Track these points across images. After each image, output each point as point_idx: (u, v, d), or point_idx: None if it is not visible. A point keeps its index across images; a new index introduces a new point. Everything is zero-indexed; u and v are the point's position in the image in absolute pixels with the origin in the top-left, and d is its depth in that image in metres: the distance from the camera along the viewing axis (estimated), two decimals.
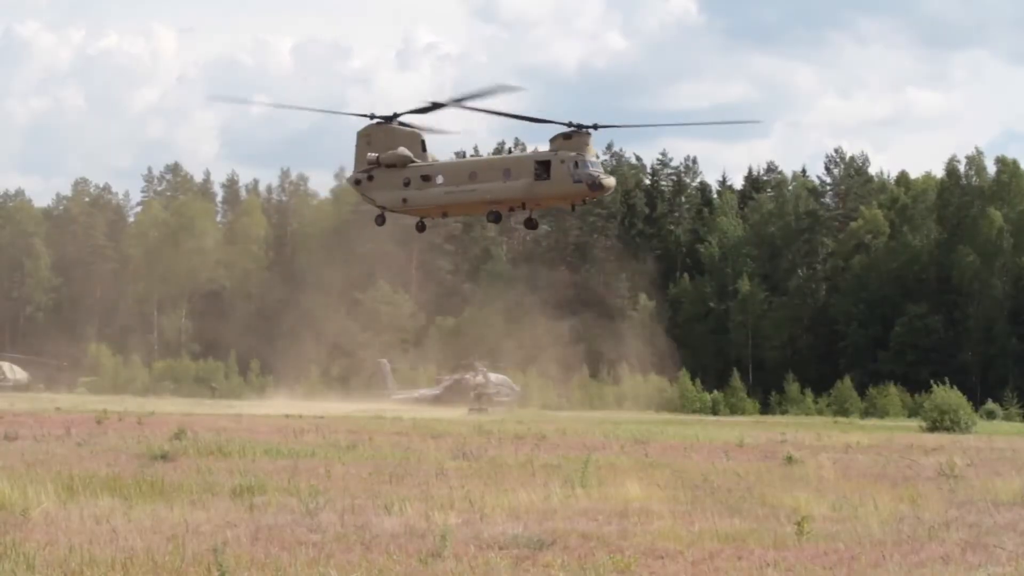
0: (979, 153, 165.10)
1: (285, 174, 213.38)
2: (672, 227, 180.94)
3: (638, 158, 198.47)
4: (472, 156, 58.31)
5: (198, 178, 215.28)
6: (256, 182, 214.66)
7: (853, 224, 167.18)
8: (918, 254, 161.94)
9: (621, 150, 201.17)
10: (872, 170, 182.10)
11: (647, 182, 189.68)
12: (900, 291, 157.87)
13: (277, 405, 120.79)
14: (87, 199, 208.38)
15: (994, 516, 29.37)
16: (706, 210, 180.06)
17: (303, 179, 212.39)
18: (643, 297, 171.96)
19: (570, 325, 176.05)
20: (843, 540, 24.86)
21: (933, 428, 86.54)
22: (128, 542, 22.32)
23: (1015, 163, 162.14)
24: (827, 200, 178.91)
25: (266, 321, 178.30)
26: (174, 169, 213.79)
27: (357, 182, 58.96)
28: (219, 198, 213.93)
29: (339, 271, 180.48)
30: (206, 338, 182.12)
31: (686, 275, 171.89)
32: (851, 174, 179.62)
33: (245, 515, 26.80)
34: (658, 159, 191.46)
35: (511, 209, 57.05)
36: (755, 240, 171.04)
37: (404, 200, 56.86)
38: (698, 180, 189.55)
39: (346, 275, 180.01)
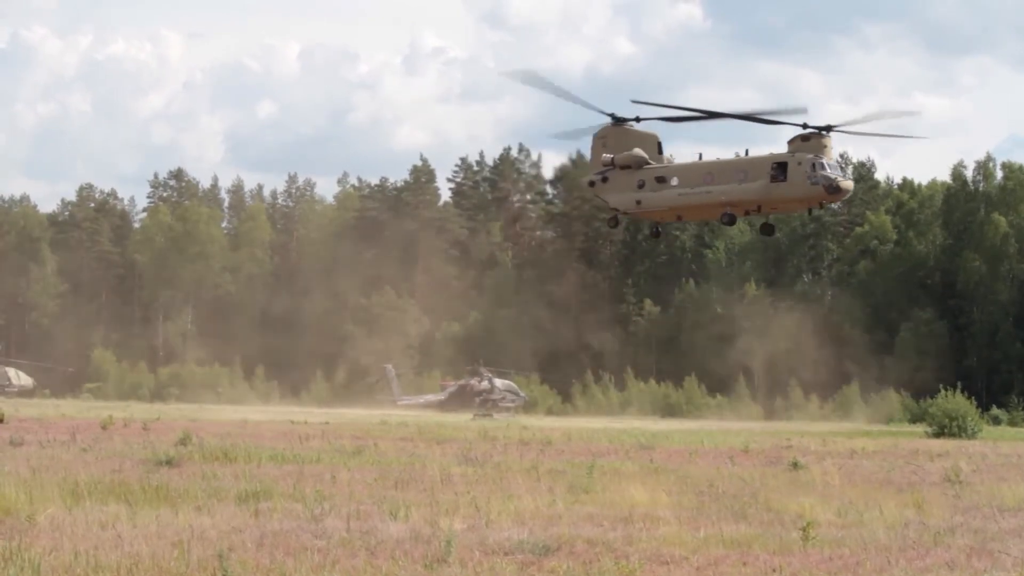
0: (989, 158, 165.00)
1: (291, 179, 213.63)
2: (678, 232, 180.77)
3: None
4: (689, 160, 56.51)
5: (203, 184, 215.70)
6: (261, 187, 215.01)
7: (859, 229, 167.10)
8: (924, 260, 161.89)
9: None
10: (878, 175, 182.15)
11: None
12: (906, 296, 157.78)
13: (282, 410, 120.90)
14: (92, 205, 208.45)
15: (999, 522, 29.35)
16: None
17: (309, 185, 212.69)
18: (648, 302, 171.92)
19: (577, 331, 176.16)
20: (848, 546, 24.85)
21: (939, 434, 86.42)
22: (133, 548, 22.33)
23: (1021, 169, 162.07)
24: (833, 205, 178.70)
25: (271, 327, 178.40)
26: (179, 175, 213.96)
27: (591, 183, 58.27)
28: (225, 204, 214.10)
29: (344, 277, 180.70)
30: (211, 344, 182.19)
31: (692, 280, 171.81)
32: (857, 179, 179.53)
33: (250, 521, 26.80)
34: None
35: (746, 212, 56.13)
36: (761, 245, 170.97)
37: (638, 202, 56.02)
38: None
39: (351, 281, 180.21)
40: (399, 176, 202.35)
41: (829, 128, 53.19)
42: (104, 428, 64.27)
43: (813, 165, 52.35)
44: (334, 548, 23.07)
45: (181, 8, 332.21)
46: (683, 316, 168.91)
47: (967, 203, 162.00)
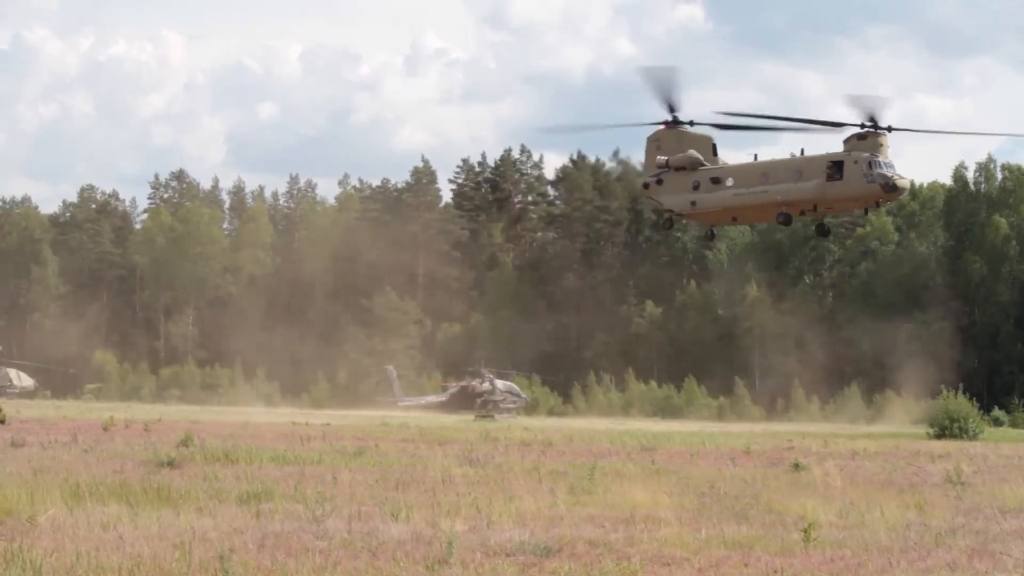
0: (991, 159, 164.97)
1: (293, 180, 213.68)
2: (679, 234, 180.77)
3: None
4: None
5: (205, 185, 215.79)
6: (262, 188, 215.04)
7: (860, 231, 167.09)
8: (925, 261, 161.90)
9: (629, 157, 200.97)
10: None
11: None
12: (907, 298, 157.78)
13: (283, 412, 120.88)
14: (93, 206, 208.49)
15: (1001, 523, 29.35)
16: None
17: (311, 186, 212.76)
18: (650, 304, 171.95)
19: (578, 332, 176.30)
20: (850, 547, 24.84)
21: (941, 435, 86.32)
22: (135, 549, 22.33)
23: (1021, 170, 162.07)
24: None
25: (272, 328, 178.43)
26: (180, 176, 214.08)
27: (646, 185, 57.91)
28: (225, 205, 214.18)
29: (346, 278, 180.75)
30: (212, 345, 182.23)
31: (693, 282, 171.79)
32: None
33: (252, 522, 26.80)
34: None
35: (802, 212, 55.81)
36: (762, 247, 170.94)
37: (693, 203, 55.69)
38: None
39: (353, 282, 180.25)
40: (400, 177, 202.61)
41: (889, 128, 52.91)
42: (105, 429, 64.27)
43: (869, 164, 51.98)
44: (335, 549, 23.07)
45: (182, 9, 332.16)
46: (684, 317, 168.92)
47: (968, 204, 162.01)
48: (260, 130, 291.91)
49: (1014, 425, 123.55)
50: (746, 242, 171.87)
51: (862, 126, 52.48)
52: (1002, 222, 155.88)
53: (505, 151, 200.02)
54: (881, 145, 52.56)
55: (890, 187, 52.37)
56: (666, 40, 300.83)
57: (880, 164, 52.03)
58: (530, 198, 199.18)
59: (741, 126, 55.13)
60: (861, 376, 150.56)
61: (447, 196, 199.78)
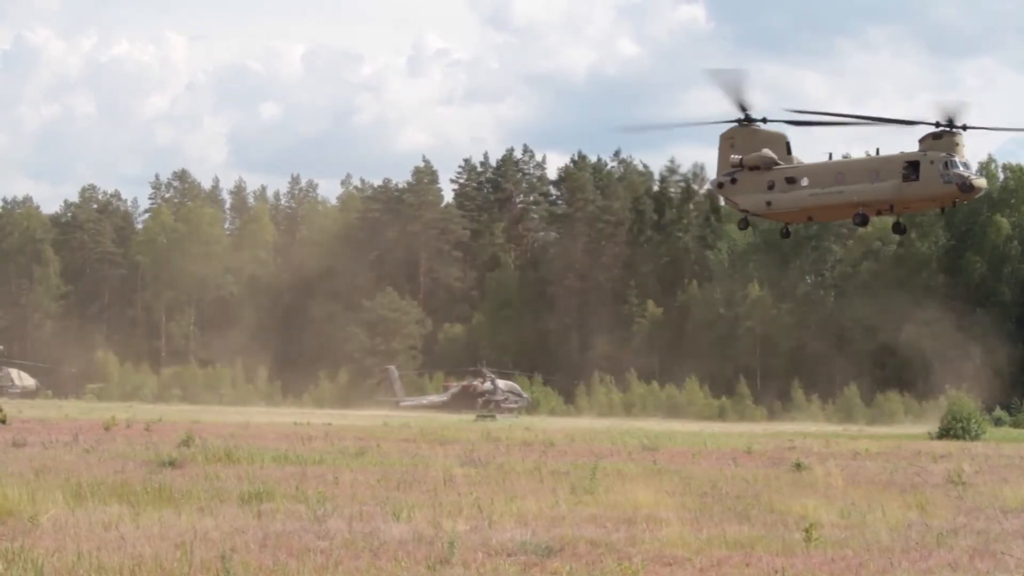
0: (992, 160, 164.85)
1: (294, 181, 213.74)
2: (680, 234, 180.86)
3: (645, 166, 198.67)
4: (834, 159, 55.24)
5: (206, 185, 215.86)
6: (264, 188, 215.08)
7: (861, 231, 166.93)
8: (926, 261, 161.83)
9: (630, 156, 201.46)
10: None
11: (656, 189, 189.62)
12: (908, 298, 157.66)
13: (285, 412, 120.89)
14: (95, 206, 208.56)
15: (1002, 523, 29.34)
16: (714, 217, 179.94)
17: (312, 186, 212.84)
18: (651, 304, 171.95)
19: (579, 332, 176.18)
20: (851, 547, 24.84)
21: (944, 435, 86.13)
22: (136, 549, 22.33)
23: (1022, 169, 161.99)
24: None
25: (274, 328, 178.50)
26: (182, 176, 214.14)
27: (720, 185, 57.43)
28: (226, 205, 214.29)
29: (347, 278, 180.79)
30: (214, 345, 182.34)
31: (694, 282, 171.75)
32: None
33: (253, 522, 26.80)
34: (666, 166, 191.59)
35: (878, 212, 55.34)
36: (764, 247, 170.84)
37: (768, 203, 55.22)
38: (706, 187, 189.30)
39: (354, 282, 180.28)
40: (402, 177, 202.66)
41: (964, 127, 52.55)
42: (107, 429, 64.28)
43: (946, 163, 51.58)
44: (337, 549, 23.07)
45: (184, 10, 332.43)
46: (686, 317, 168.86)
47: (969, 204, 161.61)
48: (262, 130, 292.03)
49: (1016, 426, 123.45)
50: (748, 242, 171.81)
51: (936, 124, 52.10)
52: (1004, 222, 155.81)
53: (507, 151, 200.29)
54: (957, 144, 52.14)
55: (967, 187, 51.99)
56: (668, 41, 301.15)
57: (956, 164, 51.61)
58: (532, 198, 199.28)
59: (813, 122, 54.99)
60: (862, 376, 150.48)
61: (449, 196, 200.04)
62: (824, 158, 55.93)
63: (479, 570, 21.36)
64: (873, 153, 54.27)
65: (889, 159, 53.42)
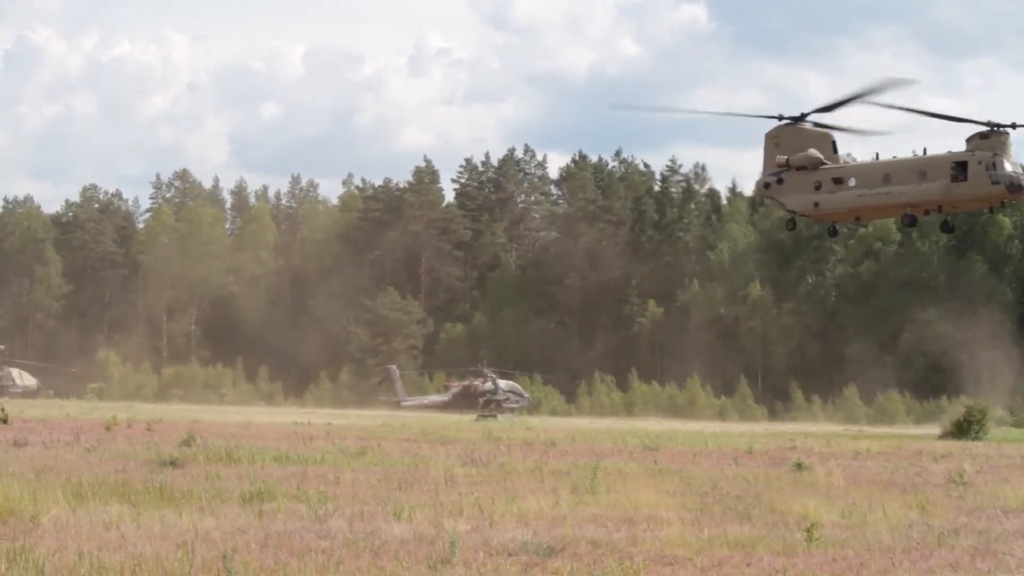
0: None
1: (295, 180, 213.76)
2: (681, 234, 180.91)
3: (646, 165, 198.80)
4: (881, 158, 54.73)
5: (207, 185, 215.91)
6: (265, 188, 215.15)
7: (863, 231, 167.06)
8: (927, 261, 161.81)
9: (631, 156, 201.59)
10: None
11: (657, 189, 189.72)
12: (909, 298, 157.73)
13: (286, 411, 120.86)
14: (96, 206, 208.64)
15: (1003, 523, 29.32)
16: (715, 217, 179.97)
17: (313, 186, 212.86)
18: (652, 303, 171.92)
19: (580, 332, 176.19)
20: (852, 547, 24.83)
21: (955, 435, 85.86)
22: (137, 548, 22.33)
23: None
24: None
25: (275, 327, 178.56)
26: (183, 176, 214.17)
27: (766, 185, 56.94)
28: (228, 205, 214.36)
29: (348, 278, 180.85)
30: (215, 344, 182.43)
31: (695, 281, 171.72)
32: None
33: (254, 521, 26.79)
34: (667, 166, 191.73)
35: (926, 212, 54.84)
36: (765, 247, 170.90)
37: (815, 204, 54.71)
38: (707, 187, 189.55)
39: (355, 282, 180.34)
40: (403, 177, 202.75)
41: (1013, 125, 52.11)
42: (108, 429, 64.24)
43: (993, 164, 51.13)
44: (338, 549, 23.06)
45: (185, 10, 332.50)
46: (687, 317, 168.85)
47: None
48: (263, 130, 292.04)
49: (1017, 425, 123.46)
50: (748, 242, 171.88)
51: (987, 124, 51.66)
52: (1005, 221, 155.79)
53: (508, 151, 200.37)
54: (1004, 144, 51.72)
55: (1015, 187, 51.57)
56: (669, 41, 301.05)
57: (1004, 164, 51.19)
58: (533, 198, 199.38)
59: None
60: (863, 376, 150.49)
61: (450, 196, 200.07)
62: (871, 157, 55.48)
63: (480, 570, 21.36)
64: (920, 152, 53.81)
65: (936, 159, 52.93)
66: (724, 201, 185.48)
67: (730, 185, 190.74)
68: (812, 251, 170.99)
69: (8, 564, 20.55)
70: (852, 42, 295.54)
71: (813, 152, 54.78)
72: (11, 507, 27.33)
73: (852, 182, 54.19)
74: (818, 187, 54.63)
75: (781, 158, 55.25)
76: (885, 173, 53.86)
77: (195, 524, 25.60)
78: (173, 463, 40.47)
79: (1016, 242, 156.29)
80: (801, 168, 54.90)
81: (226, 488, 33.05)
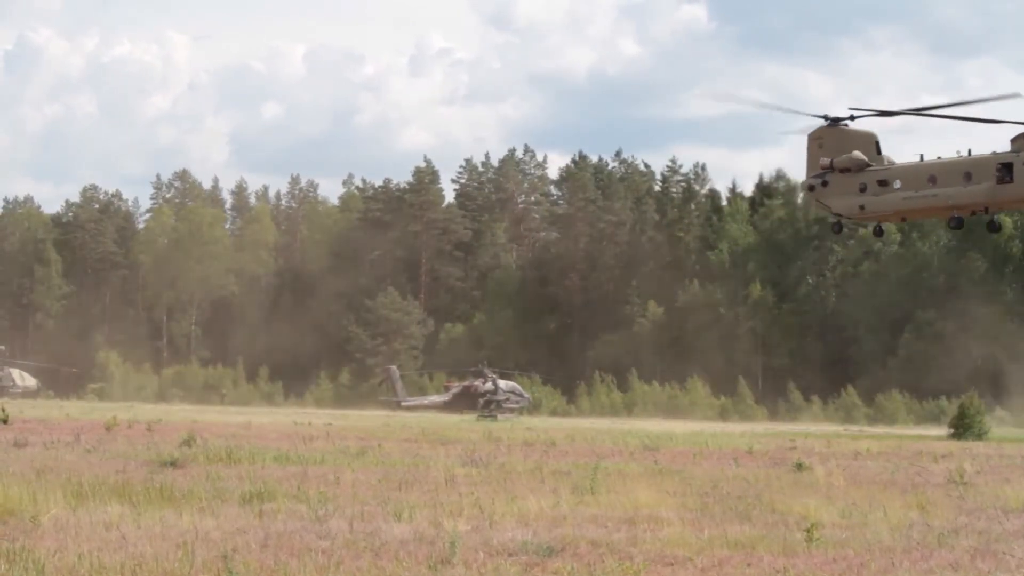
0: None
1: (295, 181, 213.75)
2: (682, 234, 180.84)
3: (647, 165, 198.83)
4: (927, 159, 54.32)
5: (207, 185, 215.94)
6: (266, 189, 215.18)
7: (863, 231, 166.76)
8: (928, 260, 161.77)
9: (631, 156, 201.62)
10: None
11: (657, 189, 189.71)
12: (909, 298, 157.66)
13: (286, 412, 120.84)
14: (96, 206, 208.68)
15: (1004, 523, 29.33)
16: (715, 217, 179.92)
17: (312, 186, 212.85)
18: (652, 304, 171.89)
19: (580, 332, 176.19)
20: (852, 547, 24.84)
21: (958, 435, 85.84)
22: (137, 549, 22.34)
23: None
24: None
25: (275, 328, 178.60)
26: (183, 176, 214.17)
27: (811, 188, 56.52)
28: (228, 205, 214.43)
29: (348, 278, 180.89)
30: (215, 344, 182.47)
31: (696, 281, 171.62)
32: None
33: (254, 522, 26.80)
34: (668, 166, 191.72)
35: (972, 213, 54.47)
36: (765, 247, 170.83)
37: (861, 207, 54.26)
38: (707, 187, 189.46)
39: (355, 282, 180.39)
40: (403, 178, 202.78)
41: None
42: (108, 429, 64.27)
43: None
44: (338, 549, 23.07)
45: (186, 10, 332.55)
46: (687, 317, 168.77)
47: None
48: (263, 130, 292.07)
49: (1018, 425, 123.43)
50: (749, 242, 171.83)
51: None
52: (1007, 221, 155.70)
53: (508, 151, 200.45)
54: None
55: None
56: (670, 41, 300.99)
57: None
58: (533, 198, 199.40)
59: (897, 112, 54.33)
60: (863, 376, 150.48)
61: (450, 196, 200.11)
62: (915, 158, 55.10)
63: (480, 570, 21.36)
64: (964, 152, 53.46)
65: (981, 160, 52.44)
66: (724, 201, 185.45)
67: (730, 185, 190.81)
68: (812, 251, 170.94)
69: (8, 564, 20.56)
70: (853, 42, 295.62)
71: (857, 154, 54.38)
72: (11, 507, 27.35)
73: (897, 184, 53.75)
74: (863, 189, 54.22)
75: (825, 160, 54.87)
76: (930, 175, 53.40)
77: (195, 524, 25.61)
78: (173, 463, 40.48)
79: (1016, 242, 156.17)
80: (845, 170, 54.51)
81: (226, 488, 33.06)
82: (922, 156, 55.08)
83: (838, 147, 54.83)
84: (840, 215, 56.19)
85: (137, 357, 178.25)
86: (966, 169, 52.54)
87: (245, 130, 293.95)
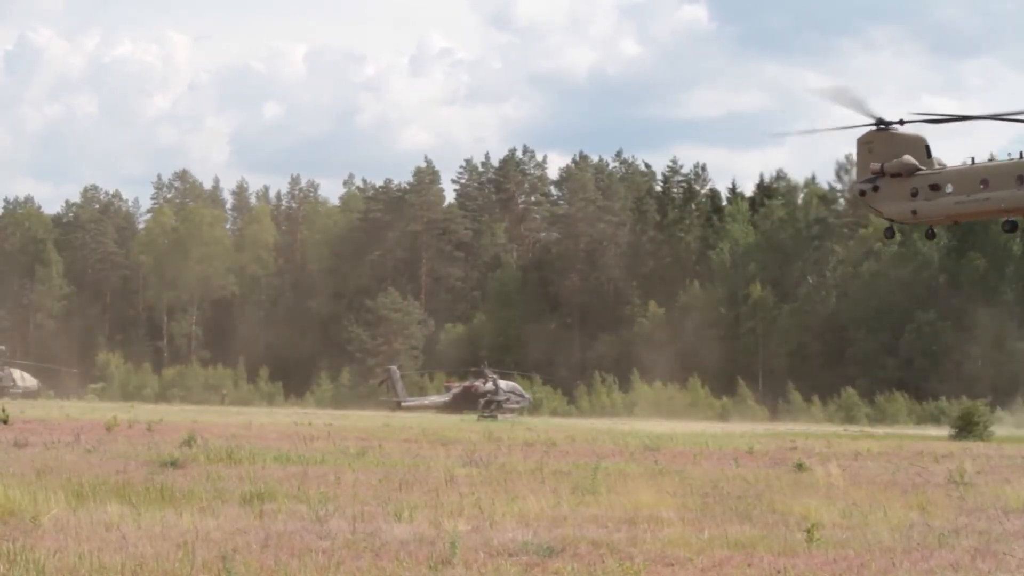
0: (993, 159, 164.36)
1: (295, 181, 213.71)
2: (682, 234, 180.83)
3: (647, 165, 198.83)
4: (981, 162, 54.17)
5: (207, 185, 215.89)
6: (266, 189, 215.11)
7: (863, 231, 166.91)
8: (928, 261, 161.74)
9: (632, 156, 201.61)
10: None
11: (658, 189, 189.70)
12: (909, 298, 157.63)
13: (286, 412, 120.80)
14: (96, 206, 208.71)
15: (1004, 523, 29.33)
16: (716, 217, 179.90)
17: (313, 186, 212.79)
18: (653, 304, 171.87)
19: (581, 332, 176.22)
20: (853, 547, 24.84)
21: (961, 435, 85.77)
22: (137, 549, 22.34)
23: None
24: (838, 207, 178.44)
25: (275, 328, 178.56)
26: (183, 176, 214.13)
27: (861, 193, 56.27)
28: (228, 205, 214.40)
29: (348, 278, 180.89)
30: (215, 345, 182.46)
31: (696, 282, 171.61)
32: None
33: (255, 522, 26.81)
34: (668, 166, 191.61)
35: None
36: (765, 247, 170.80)
37: (913, 212, 54.10)
38: (708, 187, 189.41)
39: (355, 282, 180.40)
40: (403, 178, 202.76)
41: None
42: (108, 429, 64.24)
43: None
44: (338, 549, 23.07)
45: (187, 10, 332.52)
46: (688, 317, 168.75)
47: None
48: (264, 131, 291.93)
49: (1018, 426, 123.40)
50: (749, 242, 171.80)
51: None
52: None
53: (509, 151, 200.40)
54: None
55: None
56: (670, 41, 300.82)
57: None
58: (533, 198, 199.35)
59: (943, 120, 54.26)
60: (863, 376, 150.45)
61: (450, 196, 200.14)
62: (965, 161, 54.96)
63: (480, 570, 21.37)
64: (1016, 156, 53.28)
65: None
66: (725, 201, 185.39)
67: (730, 185, 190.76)
68: (812, 251, 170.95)
69: (8, 565, 20.56)
70: (853, 42, 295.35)
71: (908, 158, 54.11)
72: (11, 508, 27.35)
73: (949, 188, 53.46)
74: (915, 194, 53.99)
75: (875, 164, 54.71)
76: (983, 178, 53.07)
77: (196, 524, 25.62)
78: (174, 463, 40.48)
79: (1016, 242, 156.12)
80: (896, 175, 54.39)
81: (227, 488, 33.06)
82: (973, 159, 54.96)
83: (888, 151, 54.65)
84: (893, 220, 56.04)
85: (137, 357, 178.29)
86: (1019, 172, 52.35)
87: (245, 130, 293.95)
